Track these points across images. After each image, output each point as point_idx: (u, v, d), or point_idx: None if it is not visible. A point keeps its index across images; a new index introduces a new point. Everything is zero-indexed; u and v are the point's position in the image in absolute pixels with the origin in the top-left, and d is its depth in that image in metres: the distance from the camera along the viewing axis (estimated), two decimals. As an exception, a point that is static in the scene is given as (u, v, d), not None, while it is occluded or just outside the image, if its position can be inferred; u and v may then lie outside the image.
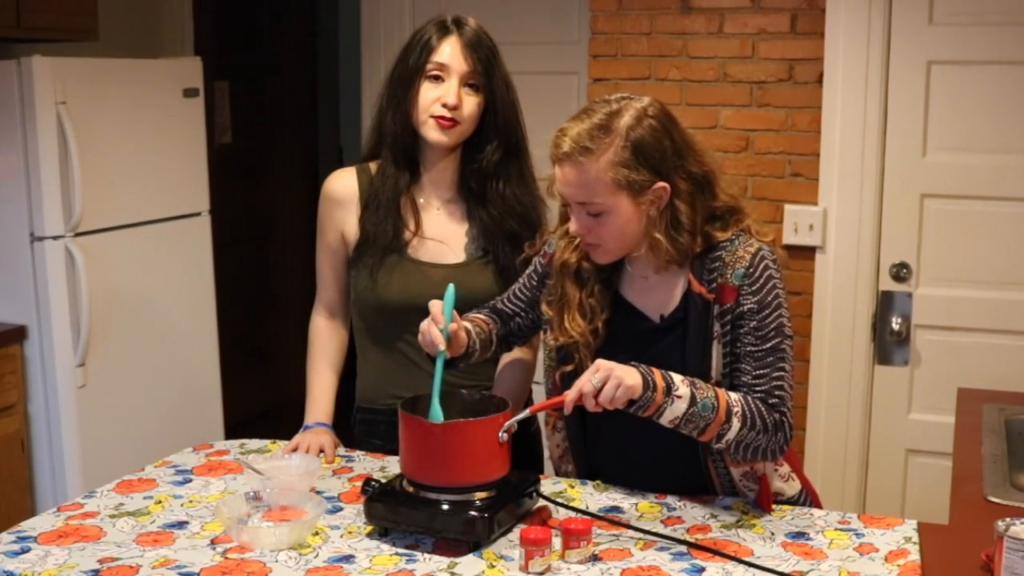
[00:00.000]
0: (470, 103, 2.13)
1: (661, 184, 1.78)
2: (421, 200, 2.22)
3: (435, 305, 1.89)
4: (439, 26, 2.14)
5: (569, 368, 1.91)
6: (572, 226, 1.84)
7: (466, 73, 2.12)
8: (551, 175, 1.86)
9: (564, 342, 1.92)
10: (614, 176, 1.75)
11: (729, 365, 1.83)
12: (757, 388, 1.80)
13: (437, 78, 2.12)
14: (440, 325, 1.86)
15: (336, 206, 2.24)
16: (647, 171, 1.77)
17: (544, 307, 1.99)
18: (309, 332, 2.33)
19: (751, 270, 1.82)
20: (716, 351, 1.83)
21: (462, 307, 2.06)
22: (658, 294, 1.89)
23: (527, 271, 2.08)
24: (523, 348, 2.21)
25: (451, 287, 1.90)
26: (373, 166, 2.25)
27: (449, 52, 2.11)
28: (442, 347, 1.85)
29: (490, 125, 2.17)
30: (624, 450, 1.95)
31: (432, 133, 2.14)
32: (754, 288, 1.81)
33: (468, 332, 1.97)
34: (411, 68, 2.14)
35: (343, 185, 2.25)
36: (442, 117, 2.11)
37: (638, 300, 1.91)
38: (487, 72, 2.13)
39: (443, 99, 2.11)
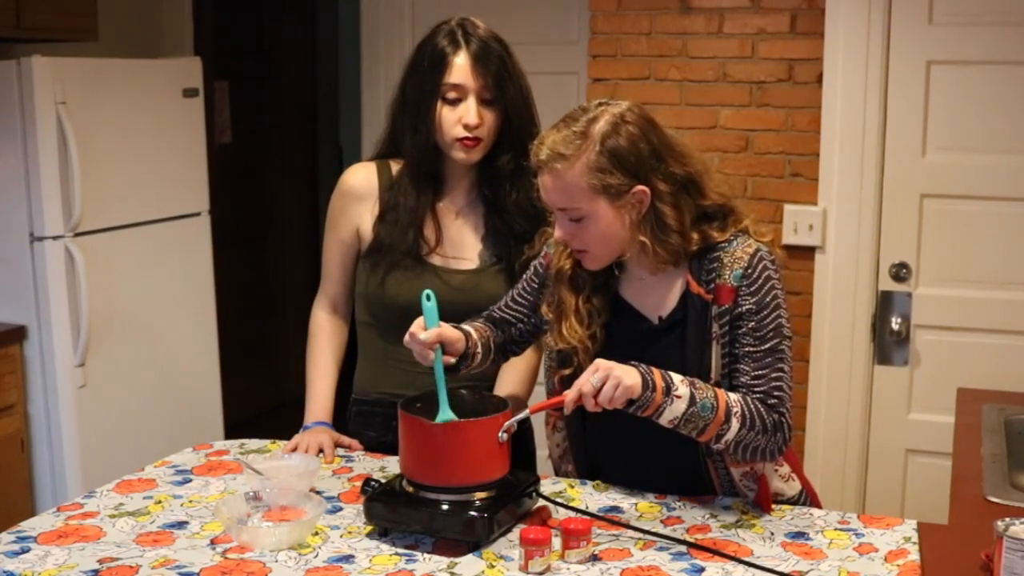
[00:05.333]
0: (489, 118, 2.13)
1: (640, 188, 1.78)
2: (440, 205, 2.23)
3: (416, 328, 1.86)
4: (449, 38, 2.13)
5: (568, 372, 1.91)
6: (557, 233, 1.85)
7: (480, 89, 2.11)
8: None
9: (563, 347, 1.92)
10: (590, 181, 1.76)
11: (728, 366, 1.83)
12: (756, 388, 1.80)
13: (454, 99, 2.12)
14: (432, 348, 1.85)
15: (354, 200, 2.24)
16: (623, 175, 1.77)
17: (544, 309, 1.99)
18: (310, 325, 2.32)
19: (749, 271, 1.82)
20: (715, 352, 1.83)
21: (475, 312, 2.08)
22: (656, 294, 1.89)
23: (526, 275, 2.07)
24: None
25: (430, 295, 1.88)
26: (394, 164, 2.24)
27: (461, 71, 2.11)
28: (432, 355, 1.85)
29: (505, 136, 2.17)
30: (624, 450, 1.95)
31: (459, 155, 2.15)
32: (752, 289, 1.82)
33: (467, 335, 1.96)
34: (426, 89, 2.13)
35: (362, 180, 2.24)
36: (466, 138, 2.12)
37: (637, 301, 1.91)
38: (500, 85, 2.13)
39: (464, 119, 2.11)
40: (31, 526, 1.79)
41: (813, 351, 3.39)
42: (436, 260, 2.20)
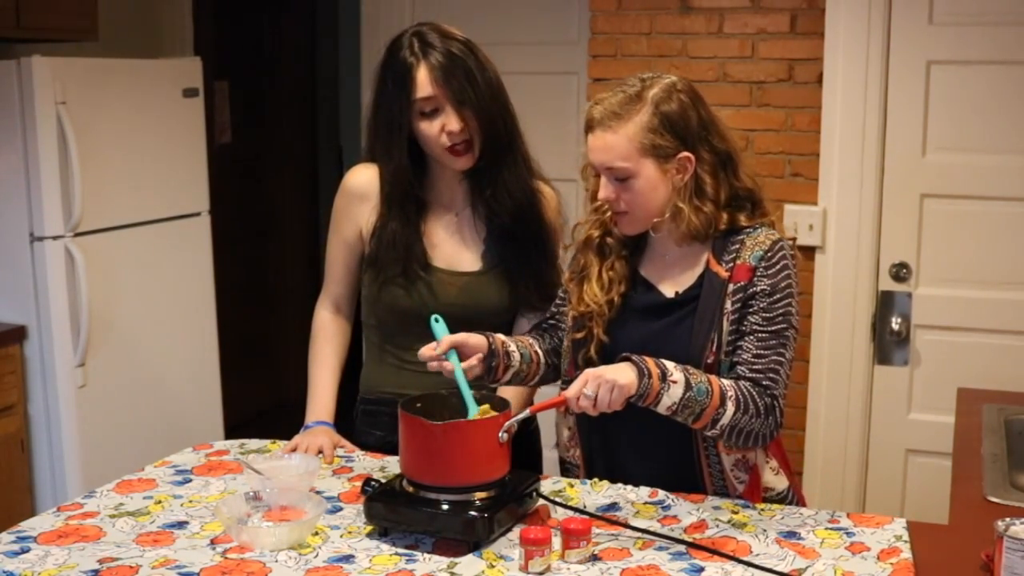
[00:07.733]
0: (471, 118, 2.11)
1: (686, 154, 1.85)
2: (434, 216, 2.22)
3: (427, 350, 1.88)
4: (408, 51, 2.10)
5: (580, 335, 1.95)
6: (601, 193, 1.90)
7: (451, 95, 2.09)
8: (585, 151, 1.90)
9: (581, 311, 1.96)
10: (641, 140, 1.83)
11: (732, 344, 1.85)
12: (755, 367, 1.83)
13: (431, 111, 2.10)
14: (445, 361, 1.87)
15: (357, 201, 2.23)
16: (672, 138, 1.84)
17: (566, 280, 2.05)
18: (313, 324, 2.32)
19: (769, 254, 1.87)
20: (724, 328, 1.86)
21: (477, 315, 2.09)
22: (676, 272, 1.94)
23: (564, 277, 2.11)
24: None
25: (438, 318, 1.89)
26: None
27: (428, 83, 2.09)
28: (449, 366, 1.86)
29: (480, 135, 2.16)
30: (630, 434, 1.95)
31: (453, 164, 2.15)
32: (770, 272, 1.86)
33: (488, 336, 1.95)
34: (395, 108, 2.12)
35: (365, 180, 2.23)
36: (454, 146, 2.11)
37: (656, 278, 1.96)
38: (463, 91, 2.10)
39: (447, 127, 2.10)
40: (31, 526, 1.79)
41: (813, 351, 3.39)
42: (439, 263, 2.20)
